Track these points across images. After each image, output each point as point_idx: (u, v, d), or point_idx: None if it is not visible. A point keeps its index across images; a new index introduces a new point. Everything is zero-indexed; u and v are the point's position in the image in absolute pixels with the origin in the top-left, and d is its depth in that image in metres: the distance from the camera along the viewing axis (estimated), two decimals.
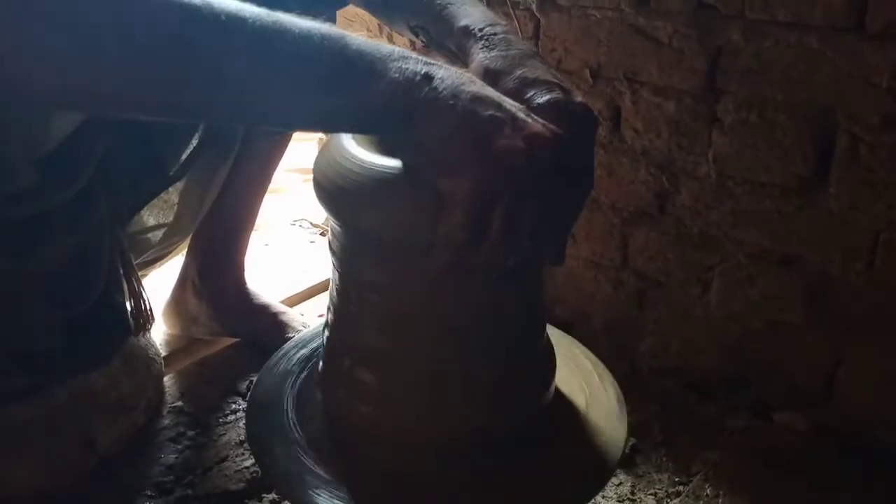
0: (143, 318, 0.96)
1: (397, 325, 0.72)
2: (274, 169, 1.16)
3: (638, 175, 1.18)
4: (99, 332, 0.89)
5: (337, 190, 0.69)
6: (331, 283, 0.77)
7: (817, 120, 1.01)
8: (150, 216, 1.01)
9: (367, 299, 0.73)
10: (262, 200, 1.18)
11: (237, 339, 1.24)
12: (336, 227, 0.73)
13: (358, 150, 0.70)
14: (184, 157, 0.96)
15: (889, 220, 0.99)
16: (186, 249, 1.19)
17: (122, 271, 0.92)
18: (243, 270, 1.21)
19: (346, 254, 0.73)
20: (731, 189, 1.10)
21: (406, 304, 0.71)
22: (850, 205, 1.01)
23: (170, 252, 1.10)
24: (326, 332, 0.79)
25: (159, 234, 1.03)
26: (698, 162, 1.12)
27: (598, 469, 0.78)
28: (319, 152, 0.74)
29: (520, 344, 0.76)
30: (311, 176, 0.74)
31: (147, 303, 0.97)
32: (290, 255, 1.58)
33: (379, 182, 0.67)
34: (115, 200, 0.88)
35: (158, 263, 1.11)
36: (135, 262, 1.03)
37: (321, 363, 0.80)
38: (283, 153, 1.16)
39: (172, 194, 1.01)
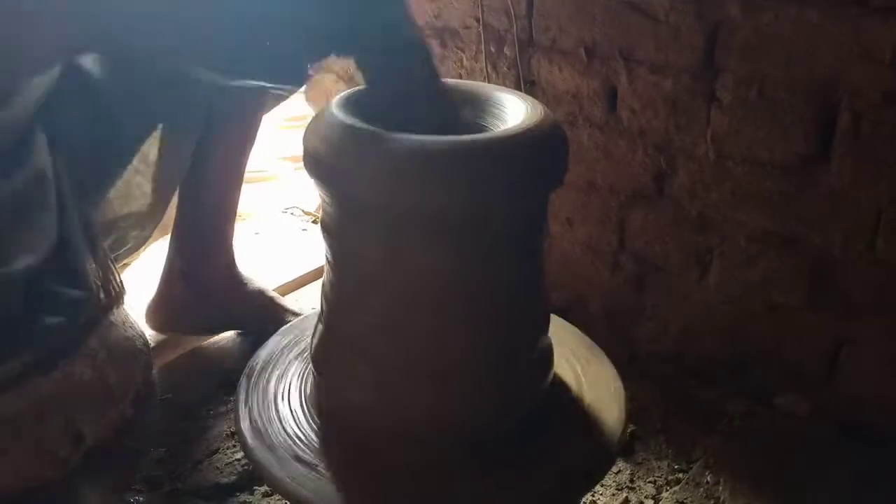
0: (115, 290, 0.93)
1: (395, 304, 0.70)
2: (250, 148, 1.12)
3: (635, 156, 1.16)
4: (64, 300, 0.85)
5: (328, 158, 0.68)
6: (325, 267, 0.75)
7: (818, 96, 0.98)
8: (123, 204, 0.98)
9: (363, 276, 0.71)
10: (241, 180, 1.15)
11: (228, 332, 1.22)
12: (328, 200, 0.71)
13: (346, 118, 0.68)
14: (146, 126, 0.92)
15: (892, 198, 0.97)
16: (169, 243, 1.15)
17: (86, 241, 0.88)
18: (233, 255, 1.18)
19: (340, 229, 0.71)
20: (730, 169, 1.08)
21: (402, 277, 0.69)
22: (853, 183, 0.99)
23: (143, 243, 1.06)
24: (321, 317, 0.77)
25: (132, 221, 1.00)
26: (696, 142, 1.09)
27: (597, 458, 0.76)
28: (308, 124, 0.72)
29: (520, 328, 0.74)
30: (300, 163, 0.72)
31: (117, 273, 0.94)
32: (282, 243, 1.56)
33: (368, 146, 0.65)
34: (68, 159, 0.84)
35: (133, 255, 1.07)
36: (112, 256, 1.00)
37: (315, 350, 0.78)
38: (257, 130, 1.12)
39: (142, 181, 0.98)
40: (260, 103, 1.09)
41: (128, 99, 0.88)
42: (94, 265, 0.87)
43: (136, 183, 0.97)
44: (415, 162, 0.64)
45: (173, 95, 0.91)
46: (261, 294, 1.20)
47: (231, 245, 1.17)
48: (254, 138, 1.13)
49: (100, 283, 0.90)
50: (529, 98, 0.76)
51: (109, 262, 0.92)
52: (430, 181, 0.64)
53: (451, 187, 0.65)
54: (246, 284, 1.19)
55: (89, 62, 0.85)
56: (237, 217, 1.19)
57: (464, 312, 0.70)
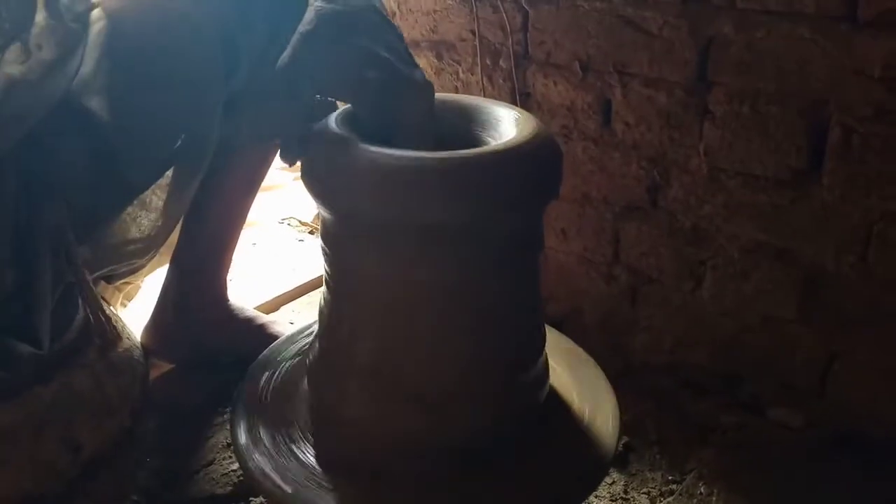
0: (109, 336, 0.92)
1: (390, 318, 0.70)
2: (256, 189, 1.12)
3: (629, 169, 1.17)
4: (8, 354, 0.83)
5: (325, 173, 0.68)
6: (324, 282, 0.76)
7: (810, 111, 1.00)
8: (135, 228, 0.98)
9: (360, 290, 0.71)
10: (244, 221, 1.13)
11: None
12: (326, 215, 0.72)
13: (344, 132, 0.69)
14: (151, 167, 0.92)
15: (883, 211, 0.98)
16: (167, 272, 1.14)
17: (56, 291, 0.87)
18: (226, 289, 1.16)
19: (336, 244, 0.72)
20: (723, 182, 1.09)
21: (397, 292, 0.69)
22: (844, 197, 1.00)
23: (143, 265, 1.06)
24: (318, 333, 0.78)
25: (139, 246, 1.00)
26: (690, 155, 1.10)
27: (591, 469, 0.76)
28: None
29: (517, 343, 0.75)
30: (298, 173, 0.73)
31: (112, 319, 0.93)
32: (279, 254, 1.56)
33: (365, 161, 0.66)
34: (66, 202, 0.84)
35: (131, 277, 1.07)
36: (116, 272, 1.00)
37: (311, 364, 0.79)
38: (265, 173, 1.11)
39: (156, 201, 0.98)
40: (268, 148, 1.08)
41: (132, 142, 0.87)
42: (47, 319, 0.84)
43: (136, 217, 0.97)
44: (409, 177, 0.65)
45: (178, 142, 0.90)
46: (250, 323, 1.18)
47: (226, 280, 1.16)
48: (261, 180, 1.12)
49: (93, 326, 0.88)
50: (524, 112, 0.77)
51: (102, 310, 0.91)
52: (424, 196, 0.65)
53: (446, 202, 0.65)
54: (236, 317, 1.17)
55: (95, 105, 0.85)
56: None
57: (458, 325, 0.71)
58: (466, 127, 0.78)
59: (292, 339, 0.92)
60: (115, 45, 0.86)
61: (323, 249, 0.74)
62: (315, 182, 0.70)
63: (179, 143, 0.89)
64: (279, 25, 0.96)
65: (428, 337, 0.71)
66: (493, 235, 0.69)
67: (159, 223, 0.97)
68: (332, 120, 0.72)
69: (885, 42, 0.92)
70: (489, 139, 0.75)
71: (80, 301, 0.88)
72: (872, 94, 0.94)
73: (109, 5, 0.87)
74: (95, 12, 0.85)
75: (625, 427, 0.81)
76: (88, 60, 0.85)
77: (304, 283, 1.44)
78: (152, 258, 1.05)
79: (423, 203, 0.65)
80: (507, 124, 0.74)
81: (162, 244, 1.04)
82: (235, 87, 0.93)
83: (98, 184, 0.86)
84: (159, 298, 1.16)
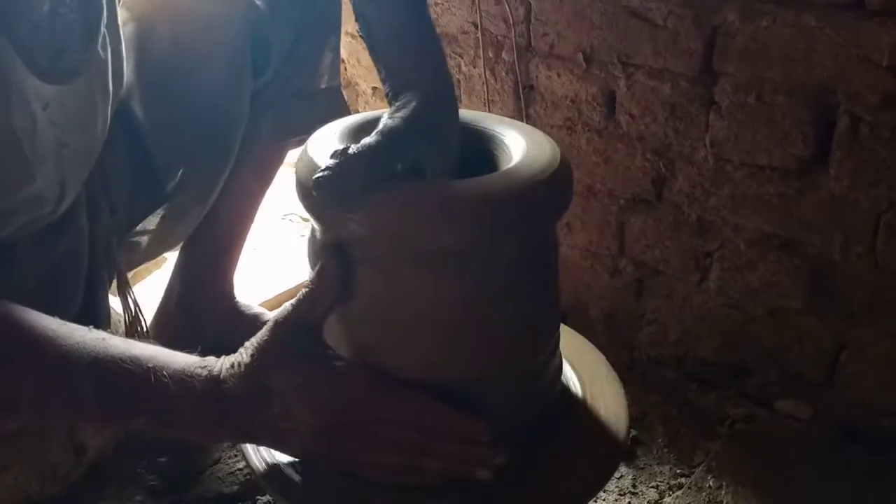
0: (137, 327, 0.92)
1: (395, 336, 0.69)
2: (267, 187, 1.11)
3: (634, 161, 1.16)
4: None
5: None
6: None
7: (817, 100, 0.99)
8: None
9: (363, 307, 0.69)
10: (253, 218, 1.12)
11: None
12: (321, 232, 0.70)
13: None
14: (178, 176, 0.91)
15: (891, 201, 0.97)
16: (173, 269, 1.13)
17: (115, 283, 0.88)
18: (233, 286, 1.15)
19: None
20: (729, 173, 1.08)
21: (400, 311, 0.67)
22: (852, 187, 0.99)
23: (159, 255, 1.05)
24: None
25: (156, 248, 0.99)
26: (695, 146, 1.09)
27: (600, 464, 0.76)
28: (302, 153, 0.71)
29: (530, 348, 0.74)
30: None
31: (139, 312, 0.93)
32: (280, 251, 1.56)
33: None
34: (110, 213, 0.85)
35: (151, 260, 1.07)
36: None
37: None
38: (276, 170, 1.10)
39: None
40: (282, 147, 1.07)
41: (168, 143, 0.87)
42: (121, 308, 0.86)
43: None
44: (413, 205, 0.63)
45: (209, 141, 0.91)
46: (256, 321, 1.17)
47: (233, 278, 1.15)
48: (272, 179, 1.10)
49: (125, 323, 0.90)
50: (530, 128, 0.74)
51: (136, 309, 0.92)
52: (428, 225, 0.63)
53: (455, 230, 0.63)
54: (243, 314, 1.16)
55: (136, 106, 0.85)
56: None
57: (469, 342, 0.69)
58: (473, 145, 0.76)
59: None
60: (149, 57, 0.86)
61: (309, 262, 0.72)
62: (307, 198, 0.68)
63: (207, 146, 0.89)
64: (303, 25, 0.95)
65: (426, 358, 0.69)
66: (507, 254, 0.67)
67: (177, 227, 0.96)
68: (335, 131, 0.70)
69: (894, 30, 0.91)
70: (497, 158, 0.73)
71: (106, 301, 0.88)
72: (880, 82, 0.93)
73: (138, 8, 0.87)
74: (122, 14, 0.84)
75: (632, 420, 0.80)
76: (126, 67, 0.84)
77: (306, 281, 1.43)
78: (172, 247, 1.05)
79: (425, 231, 0.63)
80: (512, 145, 0.72)
81: (176, 246, 1.04)
82: (261, 84, 0.93)
83: (137, 190, 0.86)
84: (164, 296, 1.15)
